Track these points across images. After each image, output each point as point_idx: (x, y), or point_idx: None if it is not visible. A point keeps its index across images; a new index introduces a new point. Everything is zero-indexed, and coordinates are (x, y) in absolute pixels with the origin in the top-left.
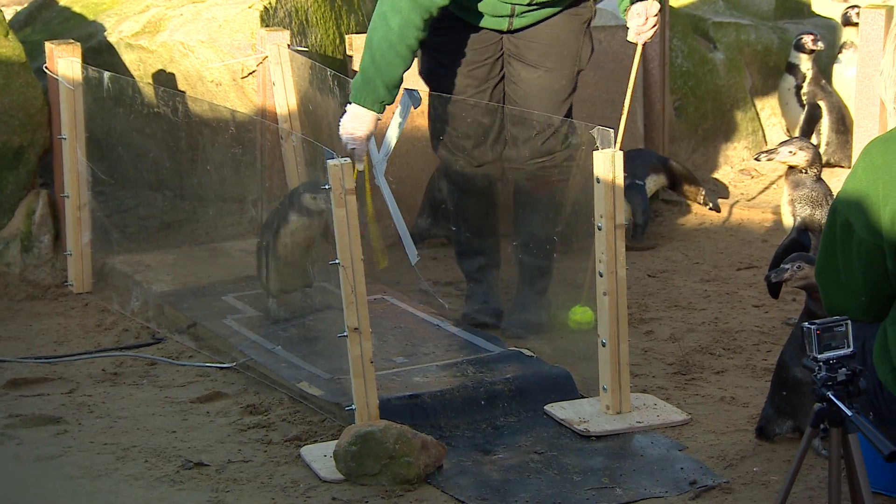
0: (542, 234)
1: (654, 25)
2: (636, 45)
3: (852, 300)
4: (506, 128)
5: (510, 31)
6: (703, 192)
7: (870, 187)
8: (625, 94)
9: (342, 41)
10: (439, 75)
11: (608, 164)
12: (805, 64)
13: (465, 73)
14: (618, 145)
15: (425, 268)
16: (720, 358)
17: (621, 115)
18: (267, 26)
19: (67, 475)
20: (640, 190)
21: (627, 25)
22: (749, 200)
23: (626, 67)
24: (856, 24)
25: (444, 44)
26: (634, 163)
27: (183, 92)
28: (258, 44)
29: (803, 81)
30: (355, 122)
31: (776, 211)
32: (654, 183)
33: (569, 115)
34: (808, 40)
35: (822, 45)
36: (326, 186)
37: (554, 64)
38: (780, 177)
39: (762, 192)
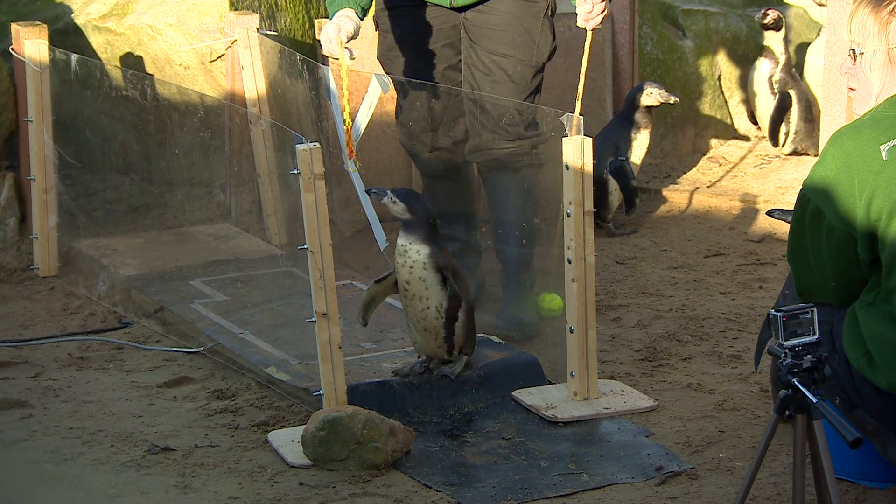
0: (517, 225)
1: (602, 11)
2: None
3: (822, 285)
4: (466, 117)
5: (454, 8)
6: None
7: (840, 175)
8: (592, 81)
9: (311, 25)
10: (390, 58)
11: (577, 151)
12: (779, 46)
13: (414, 56)
14: (573, 131)
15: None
16: (687, 345)
17: (576, 100)
18: (236, 10)
19: (32, 459)
20: (627, 167)
21: (576, 11)
22: (717, 188)
23: (597, 54)
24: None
25: (396, 25)
26: (613, 138)
27: (151, 75)
28: (227, 27)
29: (776, 68)
30: (330, 27)
31: (744, 199)
32: (637, 153)
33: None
34: (759, 15)
35: (776, 16)
36: (295, 171)
37: (508, 50)
38: (748, 165)
39: (727, 178)
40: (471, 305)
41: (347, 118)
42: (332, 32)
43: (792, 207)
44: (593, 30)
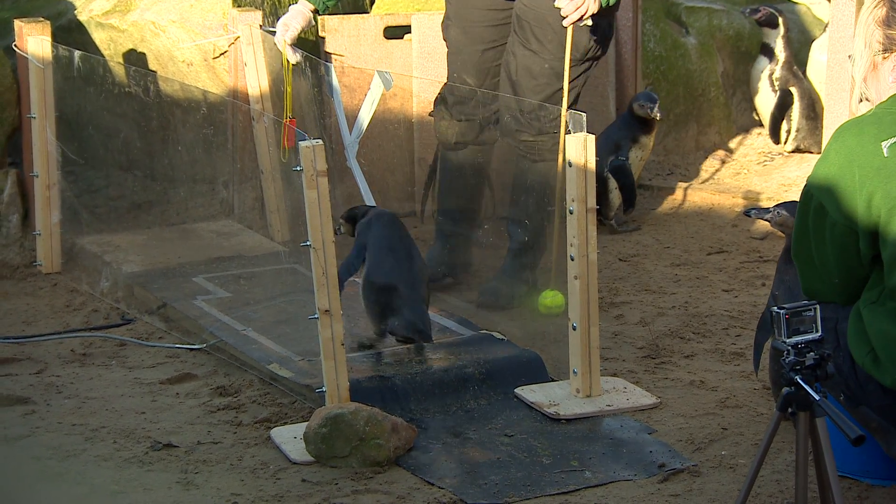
0: (526, 212)
1: (578, 8)
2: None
3: (826, 282)
4: (499, 98)
5: None
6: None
7: (843, 170)
8: (595, 78)
9: (315, 22)
10: (446, 26)
11: (580, 148)
12: (778, 44)
13: (461, 30)
14: (562, 128)
15: None
16: (690, 342)
17: (562, 97)
18: (239, 6)
19: (35, 456)
20: (627, 167)
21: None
22: (719, 185)
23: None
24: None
25: None
26: (615, 137)
27: (154, 72)
28: (230, 24)
29: (776, 65)
30: (279, 25)
31: (747, 196)
32: (638, 154)
33: (572, 104)
34: (749, 11)
35: (767, 12)
36: (298, 168)
37: (537, 46)
38: (750, 162)
39: (729, 175)
40: (363, 286)
41: (288, 111)
42: (279, 32)
43: (769, 206)
44: (573, 25)
